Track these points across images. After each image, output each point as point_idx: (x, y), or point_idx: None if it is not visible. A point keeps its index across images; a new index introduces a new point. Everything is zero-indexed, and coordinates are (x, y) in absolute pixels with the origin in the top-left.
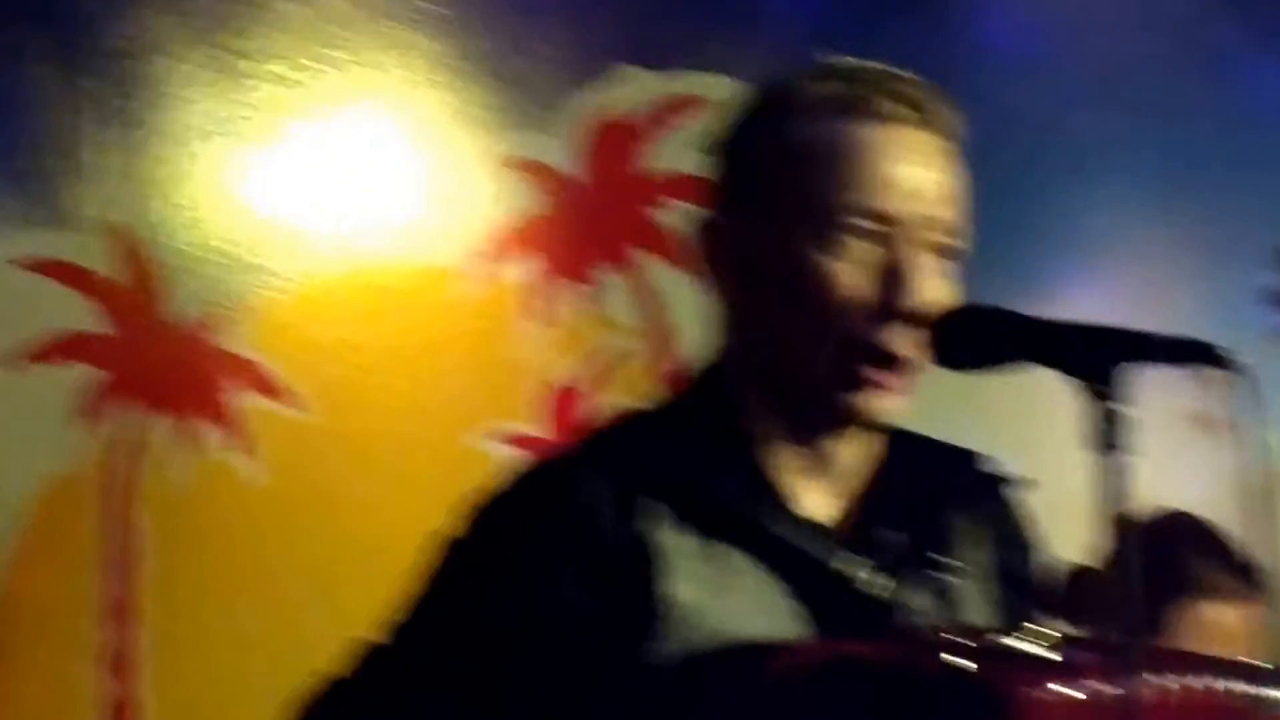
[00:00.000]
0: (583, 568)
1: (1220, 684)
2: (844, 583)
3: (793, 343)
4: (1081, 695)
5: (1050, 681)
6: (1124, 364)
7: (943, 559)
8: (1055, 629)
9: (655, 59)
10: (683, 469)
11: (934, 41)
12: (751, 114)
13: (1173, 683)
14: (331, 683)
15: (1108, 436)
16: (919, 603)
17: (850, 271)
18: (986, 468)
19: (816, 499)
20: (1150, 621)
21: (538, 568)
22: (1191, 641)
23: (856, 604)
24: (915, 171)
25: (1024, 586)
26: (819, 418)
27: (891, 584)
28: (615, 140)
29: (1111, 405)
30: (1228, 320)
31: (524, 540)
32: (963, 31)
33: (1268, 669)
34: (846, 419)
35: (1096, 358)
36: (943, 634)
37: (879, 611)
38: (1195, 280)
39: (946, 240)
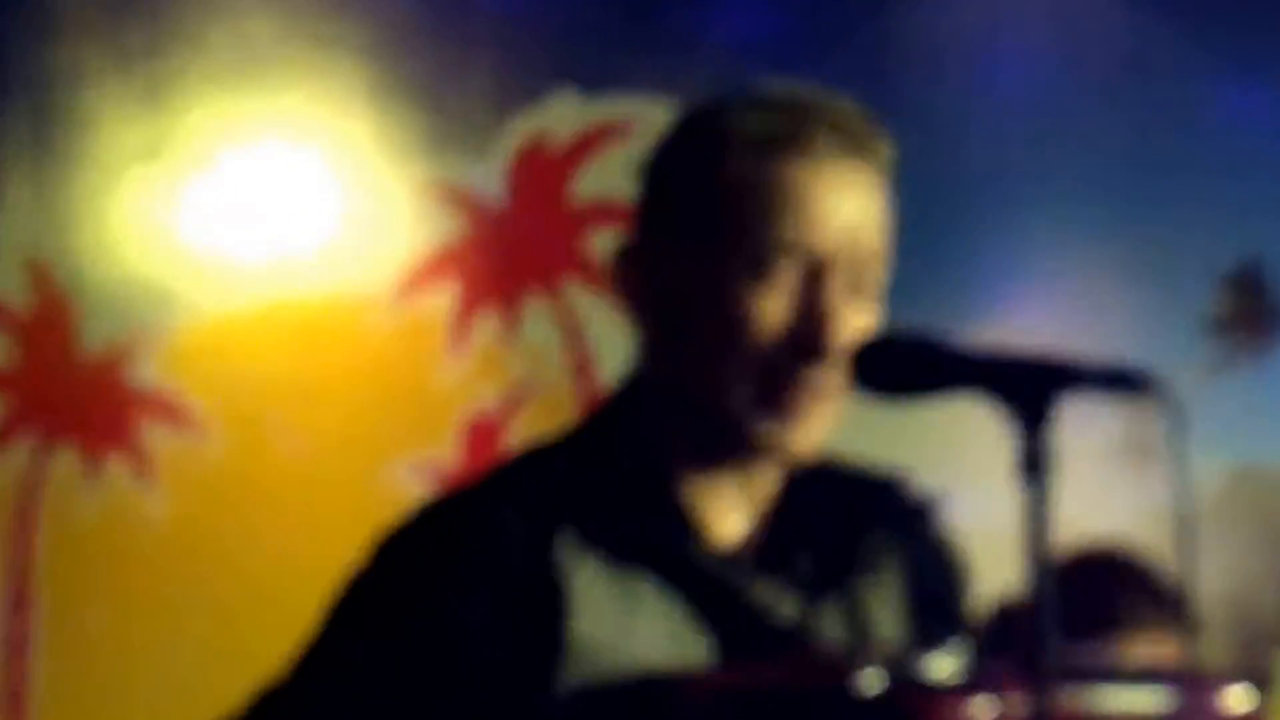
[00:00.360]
0: (491, 599)
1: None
2: (753, 609)
3: (713, 372)
4: (990, 716)
5: (957, 703)
6: (1052, 392)
7: (854, 583)
8: (968, 653)
9: (588, 83)
10: (592, 498)
11: (876, 66)
12: (681, 142)
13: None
14: None
15: (1035, 465)
16: (829, 627)
17: (774, 305)
18: (903, 491)
19: (727, 523)
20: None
21: (445, 599)
22: None
23: (765, 630)
24: (844, 205)
25: (940, 610)
26: (735, 446)
27: (801, 609)
28: (544, 166)
29: (1039, 434)
30: (1169, 347)
31: (431, 572)
32: (906, 55)
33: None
34: (764, 450)
35: (1024, 386)
36: (850, 658)
37: (788, 637)
38: (1137, 306)
39: (871, 271)
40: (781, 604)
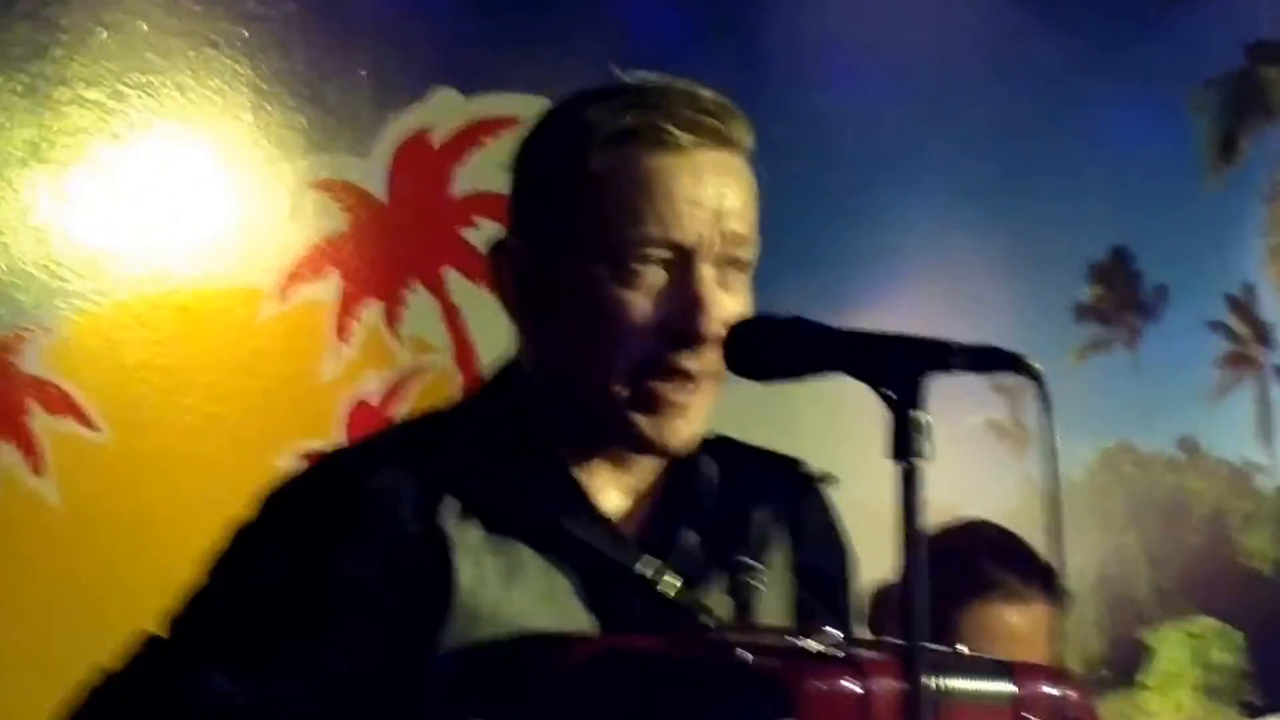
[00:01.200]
0: (375, 552)
1: (998, 685)
2: (634, 580)
3: (586, 366)
4: (860, 690)
5: (831, 676)
6: (923, 371)
7: (739, 559)
8: (842, 630)
9: (469, 82)
10: (478, 463)
11: (752, 62)
12: (545, 136)
13: (954, 682)
14: (103, 674)
15: (907, 444)
16: (712, 602)
17: (644, 298)
18: (790, 468)
19: (612, 496)
20: (939, 623)
21: (332, 551)
22: (979, 643)
23: (646, 602)
24: (709, 193)
25: (825, 588)
26: (615, 439)
27: (681, 582)
28: (425, 161)
29: (910, 413)
30: (1041, 333)
31: (319, 524)
32: (782, 51)
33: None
34: (642, 446)
35: (896, 365)
36: (728, 631)
37: (669, 610)
38: (1010, 294)
39: (739, 255)
40: (664, 579)
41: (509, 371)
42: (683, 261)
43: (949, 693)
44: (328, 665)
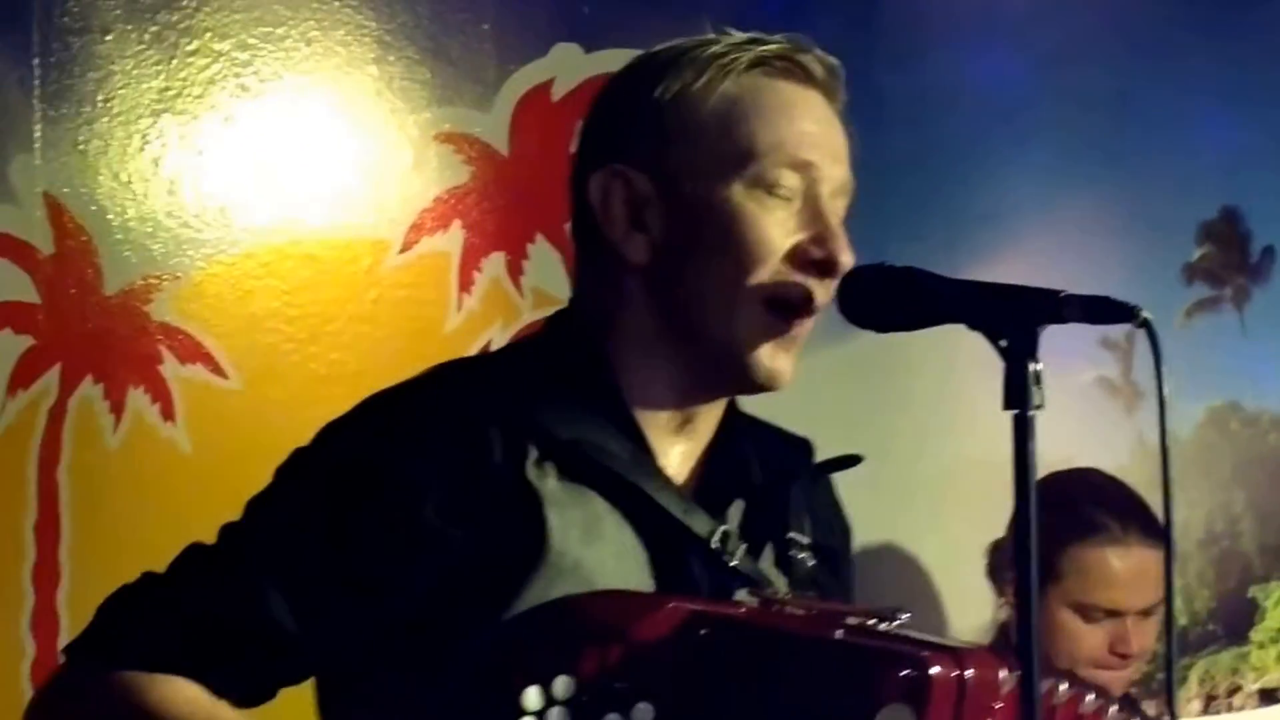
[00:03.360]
0: (464, 493)
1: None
2: (700, 545)
3: (714, 288)
4: (974, 676)
5: (947, 663)
6: (1038, 321)
7: (790, 533)
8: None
9: (590, 37)
10: (552, 409)
11: (867, 13)
12: (667, 66)
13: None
14: (147, 576)
15: (1021, 394)
16: (766, 573)
17: (777, 221)
18: (804, 448)
19: (673, 459)
20: (1042, 565)
21: (416, 484)
22: (1081, 584)
23: (708, 568)
24: (834, 130)
25: (835, 566)
26: (716, 378)
27: (743, 551)
28: (546, 115)
29: (1025, 363)
30: (1150, 292)
31: (402, 454)
32: (896, 3)
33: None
34: (754, 379)
35: (1010, 315)
36: (796, 605)
37: (729, 578)
38: (1119, 253)
39: (847, 197)
40: (727, 546)
41: (567, 319)
42: (810, 191)
43: None
44: (392, 605)
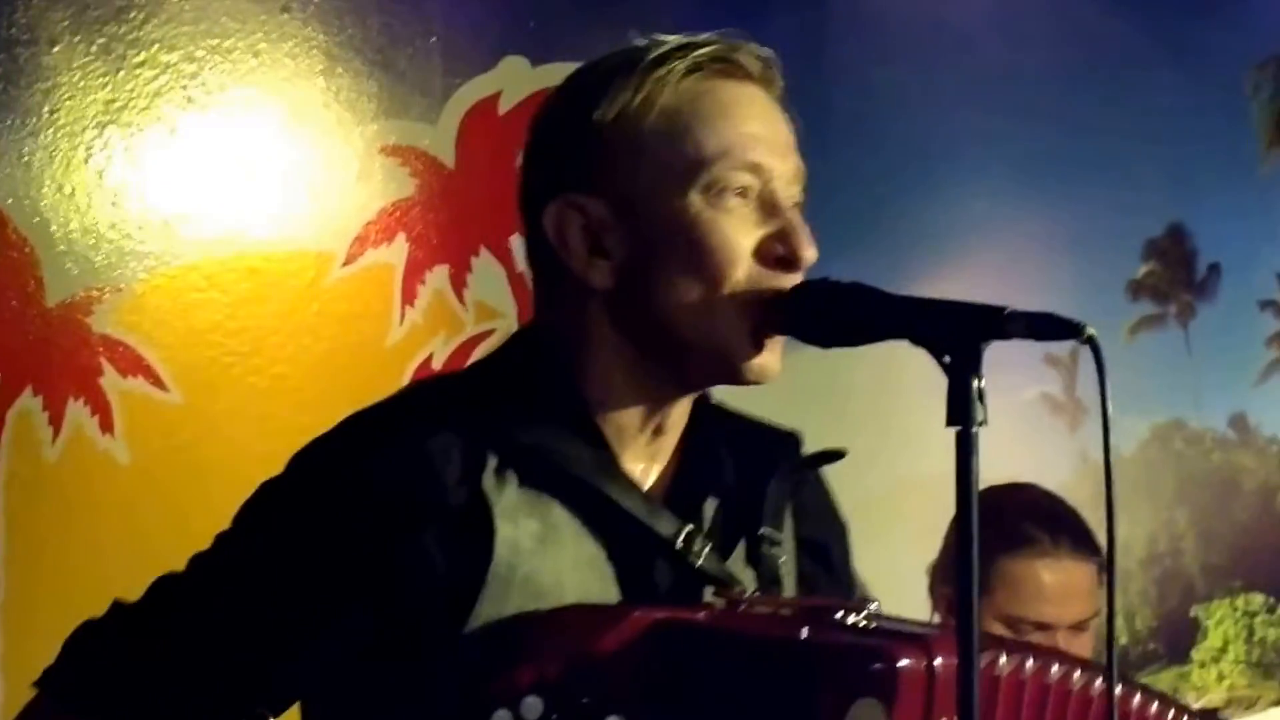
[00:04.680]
0: (420, 522)
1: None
2: (664, 548)
3: (686, 300)
4: (941, 665)
5: (913, 653)
6: (981, 337)
7: (762, 530)
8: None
9: (538, 51)
10: (512, 418)
11: (814, 27)
12: (599, 86)
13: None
14: (115, 607)
15: (964, 410)
16: (737, 572)
17: (738, 225)
18: (789, 441)
19: (641, 463)
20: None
21: (372, 519)
22: (1010, 597)
23: (674, 570)
24: (780, 125)
25: (827, 560)
26: (701, 380)
27: (709, 551)
28: (492, 128)
29: (968, 379)
30: (1095, 309)
31: (361, 489)
32: (845, 20)
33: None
34: (745, 377)
35: (954, 331)
36: (764, 604)
37: (696, 579)
38: (1065, 270)
39: (799, 194)
40: (693, 548)
41: (530, 336)
42: (765, 189)
43: None
44: (352, 637)
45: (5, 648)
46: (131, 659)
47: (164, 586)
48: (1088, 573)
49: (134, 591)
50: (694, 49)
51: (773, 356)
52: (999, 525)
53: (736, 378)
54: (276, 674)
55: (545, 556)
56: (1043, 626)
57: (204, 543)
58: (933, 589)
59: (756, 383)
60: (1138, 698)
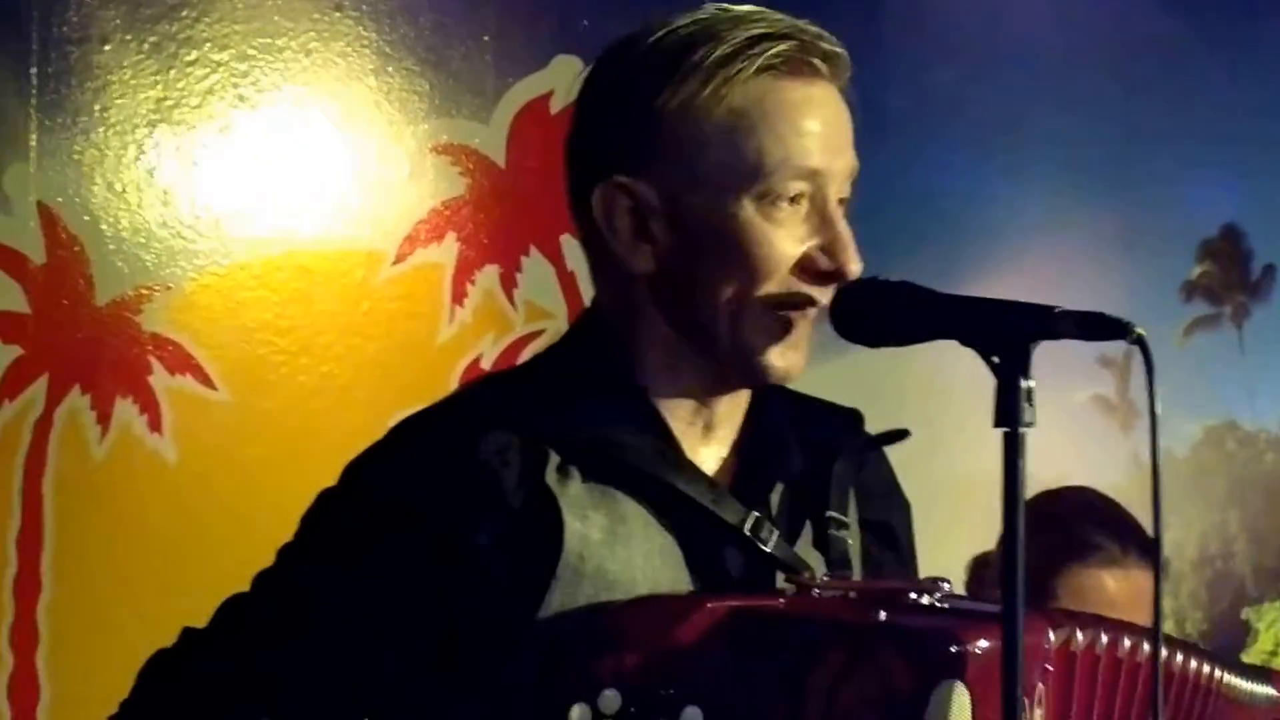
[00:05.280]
0: (485, 525)
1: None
2: (734, 536)
3: (719, 300)
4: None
5: (991, 634)
6: (1030, 337)
7: (829, 513)
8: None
9: (590, 50)
10: (574, 413)
11: (870, 28)
12: (665, 70)
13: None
14: (185, 634)
15: (1012, 411)
16: (805, 556)
17: (785, 234)
18: (853, 421)
19: (703, 450)
20: (1037, 587)
21: (436, 525)
22: (1076, 608)
23: (744, 557)
24: (841, 125)
25: (892, 541)
26: (731, 376)
27: (778, 536)
28: (544, 127)
29: (1016, 379)
30: (1149, 310)
31: (422, 495)
32: (909, 18)
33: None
34: (766, 375)
35: (1003, 331)
36: (835, 588)
37: (766, 565)
38: (1119, 270)
39: (849, 188)
40: (762, 534)
41: (592, 324)
42: (818, 194)
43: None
44: (422, 647)
45: (51, 645)
46: (207, 685)
47: (232, 608)
48: (1148, 581)
49: (180, 589)
50: (768, 45)
51: (795, 358)
52: (1064, 533)
53: (758, 376)
54: (349, 689)
55: (615, 548)
56: None
57: (251, 541)
58: (974, 586)
59: (779, 383)
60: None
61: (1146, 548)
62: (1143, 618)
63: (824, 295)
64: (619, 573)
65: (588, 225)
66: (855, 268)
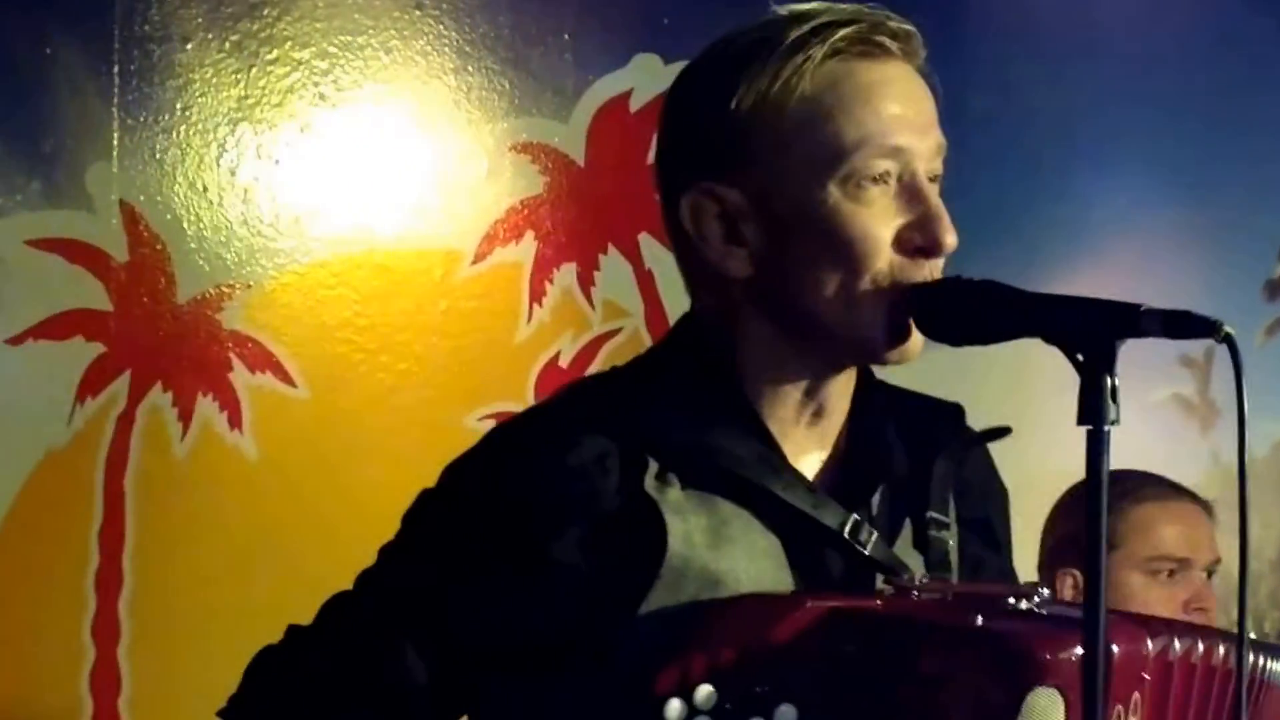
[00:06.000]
0: (583, 530)
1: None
2: (834, 538)
3: (824, 291)
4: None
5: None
6: (1115, 335)
7: (930, 514)
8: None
9: (670, 48)
10: (672, 418)
11: (952, 23)
12: (735, 72)
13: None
14: (291, 631)
15: (1096, 408)
16: (905, 556)
17: (877, 214)
18: (954, 415)
19: (805, 451)
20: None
21: (533, 531)
22: (1139, 544)
23: (845, 558)
24: (921, 103)
25: (990, 538)
26: (845, 357)
27: (877, 538)
28: (623, 126)
29: (1101, 377)
30: (1230, 309)
31: (519, 501)
32: (983, 14)
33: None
34: (882, 357)
35: (1088, 328)
36: (934, 590)
37: (867, 566)
38: (1200, 269)
39: (939, 168)
40: (861, 536)
41: (691, 328)
42: (905, 173)
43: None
44: (522, 649)
45: (133, 641)
46: (314, 683)
47: (336, 607)
48: (1207, 519)
49: (258, 585)
50: (833, 30)
51: (912, 341)
52: (1118, 484)
53: (877, 359)
54: (452, 687)
55: (719, 550)
56: (1183, 563)
57: (330, 538)
58: (1048, 562)
59: (897, 363)
60: None
61: (1192, 495)
62: (1206, 548)
63: (927, 272)
64: (724, 572)
65: (680, 236)
66: (950, 240)
